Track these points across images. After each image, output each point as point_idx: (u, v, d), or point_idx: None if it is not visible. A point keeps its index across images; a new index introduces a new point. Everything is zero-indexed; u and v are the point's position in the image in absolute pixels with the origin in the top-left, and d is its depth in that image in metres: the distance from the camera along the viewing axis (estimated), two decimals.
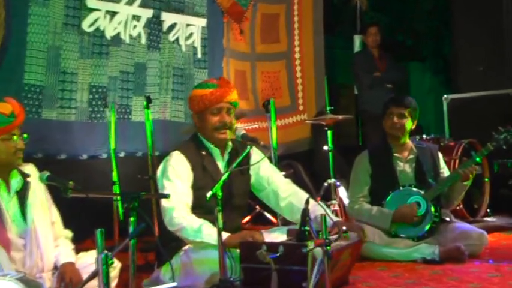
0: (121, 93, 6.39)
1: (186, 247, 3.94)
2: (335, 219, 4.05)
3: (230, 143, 4.21)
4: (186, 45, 6.98)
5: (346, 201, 6.01)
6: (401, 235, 5.05)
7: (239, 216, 4.35)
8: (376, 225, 5.05)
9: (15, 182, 3.69)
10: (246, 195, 4.36)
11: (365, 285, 4.22)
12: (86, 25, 6.04)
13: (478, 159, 5.11)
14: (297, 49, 8.67)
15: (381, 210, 5.11)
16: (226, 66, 7.50)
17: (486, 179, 7.07)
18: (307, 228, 3.54)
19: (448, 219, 5.23)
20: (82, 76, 6.03)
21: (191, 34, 7.04)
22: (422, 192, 5.09)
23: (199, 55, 7.13)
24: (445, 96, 8.23)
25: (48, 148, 5.72)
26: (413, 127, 5.33)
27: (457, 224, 5.21)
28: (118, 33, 6.32)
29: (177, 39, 6.89)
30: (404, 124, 5.25)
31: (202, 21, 7.17)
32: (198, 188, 4.01)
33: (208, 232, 3.76)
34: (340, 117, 6.61)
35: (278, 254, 3.48)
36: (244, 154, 3.78)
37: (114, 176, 5.41)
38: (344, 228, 3.80)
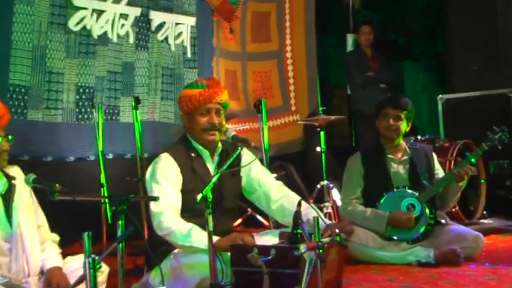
0: (109, 93, 6.38)
1: (175, 251, 3.93)
2: (328, 221, 4.06)
3: (220, 145, 4.21)
4: (175, 44, 6.98)
5: (339, 203, 6.01)
6: (396, 238, 5.06)
7: (230, 219, 4.34)
8: (370, 228, 5.06)
9: (0, 184, 3.67)
10: (237, 198, 4.36)
11: None
12: (72, 24, 6.04)
13: (472, 159, 5.12)
14: (288, 48, 8.68)
15: (376, 213, 5.11)
16: (216, 66, 7.51)
17: (482, 181, 7.10)
18: (299, 231, 3.53)
19: (443, 221, 5.24)
20: (68, 76, 6.02)
21: (180, 33, 7.04)
22: (417, 194, 5.10)
23: (188, 54, 7.13)
24: (440, 96, 8.26)
25: (34, 150, 5.71)
26: (408, 129, 5.34)
27: (453, 226, 5.22)
28: (105, 32, 6.31)
29: (166, 39, 6.89)
30: (399, 126, 5.25)
31: (191, 20, 7.17)
32: (187, 191, 4.00)
33: (197, 237, 3.75)
34: (333, 117, 6.62)
35: (270, 257, 3.48)
36: (234, 156, 3.77)
37: (102, 178, 5.41)
38: (337, 231, 3.79)
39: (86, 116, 6.13)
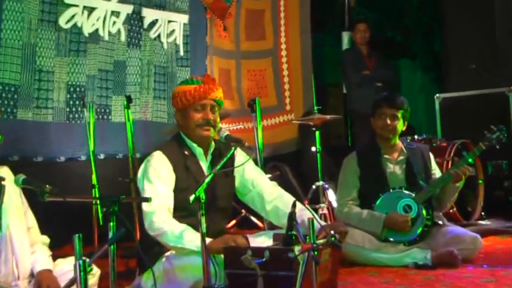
0: (100, 92, 6.38)
1: (168, 253, 3.93)
2: (323, 223, 4.06)
3: (213, 143, 4.21)
4: (167, 42, 6.98)
5: (335, 204, 6.02)
6: (392, 240, 5.07)
7: (223, 220, 4.34)
8: (366, 230, 5.06)
9: None
10: (231, 198, 4.36)
11: None
12: (62, 21, 6.03)
13: (470, 159, 5.13)
14: (283, 46, 8.69)
15: (372, 214, 5.12)
16: (210, 65, 7.51)
17: (480, 181, 7.10)
18: (293, 232, 3.54)
19: (440, 222, 5.25)
20: (59, 75, 6.02)
21: (173, 31, 7.04)
22: (413, 195, 5.11)
23: (181, 53, 7.14)
24: (437, 95, 8.27)
25: (24, 150, 5.70)
26: (404, 128, 5.35)
27: (450, 227, 5.22)
28: (96, 30, 6.31)
29: (158, 36, 6.89)
30: (396, 126, 5.25)
31: (184, 18, 7.17)
32: (180, 190, 4.00)
33: (190, 238, 3.75)
34: (328, 117, 6.62)
35: (264, 259, 3.47)
36: (228, 155, 3.77)
37: (93, 179, 5.41)
38: (332, 232, 3.79)
39: (76, 116, 6.13)
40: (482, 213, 7.07)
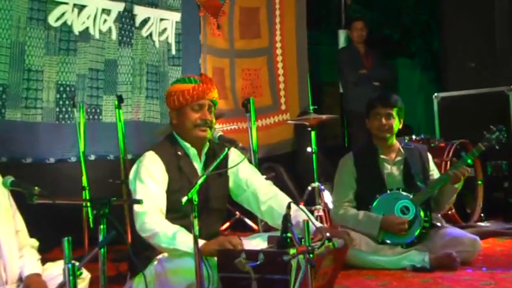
0: (90, 92, 6.37)
1: (160, 256, 3.93)
2: (318, 225, 4.06)
3: (208, 143, 4.20)
4: (159, 41, 6.98)
5: (331, 206, 6.03)
6: (390, 242, 5.07)
7: (217, 221, 4.33)
8: (362, 232, 5.06)
9: None
10: (225, 199, 4.35)
11: None
12: (52, 19, 6.03)
13: (469, 160, 5.13)
14: (278, 45, 8.70)
15: (368, 216, 5.12)
16: (203, 63, 7.51)
17: (479, 182, 7.11)
18: (288, 235, 3.54)
19: (438, 224, 5.25)
20: (48, 74, 6.01)
21: (165, 29, 7.04)
22: (411, 196, 5.11)
23: (173, 51, 7.14)
24: (436, 94, 8.28)
25: (12, 151, 5.70)
26: (400, 127, 5.35)
27: (449, 229, 5.23)
28: (87, 28, 6.30)
29: (150, 35, 6.89)
30: (392, 125, 5.26)
31: (176, 16, 7.17)
32: (173, 191, 4.00)
33: (183, 239, 3.74)
34: (324, 117, 6.64)
35: (258, 262, 3.47)
36: (221, 157, 3.77)
37: (84, 180, 5.40)
38: (328, 234, 3.80)
39: (66, 116, 6.12)
40: (482, 214, 7.09)
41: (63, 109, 6.10)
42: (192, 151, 4.16)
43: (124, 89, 6.62)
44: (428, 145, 6.61)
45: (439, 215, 5.38)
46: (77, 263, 2.78)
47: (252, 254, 3.53)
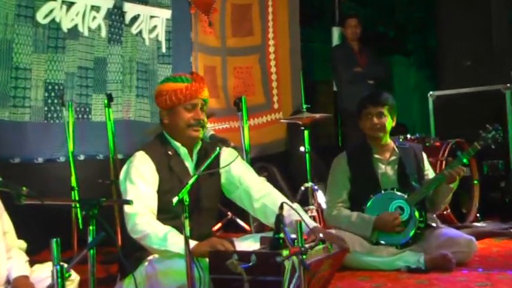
0: (79, 90, 6.36)
1: (150, 257, 3.93)
2: (312, 225, 4.06)
3: (199, 142, 4.20)
4: (149, 38, 6.97)
5: (324, 206, 6.03)
6: (384, 242, 5.08)
7: (209, 221, 4.33)
8: (356, 232, 5.07)
9: None
10: (217, 197, 4.34)
11: None
12: (40, 16, 6.01)
13: (464, 159, 5.13)
14: (271, 42, 8.70)
15: (361, 216, 5.13)
16: (194, 62, 7.50)
17: (475, 182, 7.13)
18: (281, 235, 3.54)
19: (434, 224, 5.26)
20: (37, 72, 5.99)
21: (155, 27, 7.03)
22: (406, 196, 5.12)
23: (163, 49, 7.13)
24: (431, 92, 8.30)
25: (0, 151, 5.68)
26: (393, 124, 5.36)
27: (444, 229, 5.24)
28: (75, 25, 6.28)
29: (140, 32, 6.87)
30: (384, 123, 5.26)
31: (166, 13, 7.16)
32: (164, 191, 4.00)
33: (174, 241, 3.74)
34: (318, 116, 6.64)
35: (250, 264, 3.48)
36: (212, 157, 3.77)
37: (73, 181, 5.39)
38: (321, 235, 3.81)
39: (55, 115, 6.10)
40: (478, 214, 7.10)
41: (52, 108, 6.09)
42: (183, 150, 4.16)
43: (114, 87, 6.60)
44: (423, 144, 6.63)
45: (435, 215, 5.39)
46: (66, 265, 2.78)
47: (244, 255, 3.53)
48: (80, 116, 6.32)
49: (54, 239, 2.78)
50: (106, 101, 5.58)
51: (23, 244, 3.90)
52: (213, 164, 3.92)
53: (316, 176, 6.81)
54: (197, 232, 3.81)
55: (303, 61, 8.97)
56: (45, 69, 6.07)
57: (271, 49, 8.67)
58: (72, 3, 6.25)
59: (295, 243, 3.29)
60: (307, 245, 3.31)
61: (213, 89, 7.68)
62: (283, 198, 4.09)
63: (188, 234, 3.38)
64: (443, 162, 6.72)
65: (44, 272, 3.67)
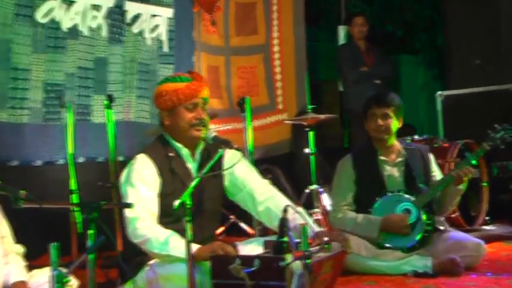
0: (79, 91, 6.36)
1: (151, 262, 3.93)
2: (317, 229, 4.06)
3: (202, 143, 4.20)
4: (151, 38, 6.97)
5: (329, 209, 6.03)
6: (390, 245, 5.07)
7: (212, 225, 4.33)
8: (362, 235, 5.07)
9: None
10: (219, 200, 4.35)
11: None
12: (39, 16, 6.01)
13: (473, 160, 5.12)
14: (275, 42, 8.70)
15: (367, 218, 5.12)
16: (197, 61, 7.50)
17: (484, 184, 7.10)
18: (285, 239, 3.54)
19: (441, 227, 5.25)
20: (36, 73, 6.00)
21: (157, 26, 7.03)
22: (413, 198, 5.11)
23: (165, 49, 7.12)
24: (439, 92, 8.28)
25: None
26: (400, 126, 5.35)
27: (452, 233, 5.23)
28: (75, 25, 6.29)
29: (141, 32, 6.87)
30: (390, 125, 5.25)
31: (168, 12, 7.16)
32: (166, 194, 4.00)
33: (175, 245, 3.75)
34: (323, 116, 6.64)
35: (253, 268, 3.48)
36: (215, 159, 3.78)
37: (72, 184, 5.39)
38: (326, 239, 3.81)
39: (54, 117, 6.11)
40: (487, 218, 7.07)
41: (51, 109, 6.09)
42: (185, 151, 4.16)
43: (114, 88, 6.60)
44: (431, 145, 6.60)
45: (442, 218, 5.38)
46: (65, 270, 2.79)
47: (247, 260, 3.53)
48: (80, 117, 6.32)
49: (53, 244, 2.79)
50: (106, 102, 5.58)
51: (20, 249, 3.90)
52: (216, 165, 3.93)
53: (322, 178, 6.81)
54: (199, 236, 3.81)
55: (308, 61, 8.97)
56: (45, 69, 6.07)
57: (276, 48, 8.67)
58: (72, 2, 6.25)
59: (300, 247, 3.29)
60: (311, 249, 3.32)
61: (216, 89, 7.69)
62: (288, 201, 4.09)
63: (190, 238, 3.38)
64: (452, 163, 6.69)
65: (42, 277, 3.67)
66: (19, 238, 3.92)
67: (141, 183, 4.00)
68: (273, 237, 3.81)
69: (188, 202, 3.41)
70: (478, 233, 6.28)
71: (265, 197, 4.26)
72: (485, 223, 7.04)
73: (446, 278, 4.73)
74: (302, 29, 8.94)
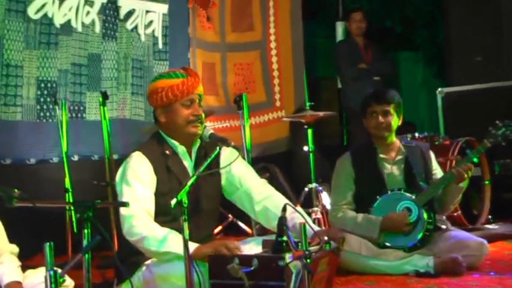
0: (73, 88, 6.37)
1: (148, 261, 3.93)
2: (316, 228, 4.06)
3: (198, 140, 4.20)
4: (145, 34, 6.96)
5: (329, 208, 6.03)
6: (391, 245, 5.07)
7: (209, 223, 4.32)
8: (362, 235, 5.07)
9: None
10: (217, 198, 4.34)
11: None
12: (32, 11, 6.01)
13: (474, 158, 5.13)
14: (272, 38, 8.69)
15: (368, 218, 5.12)
16: (192, 58, 7.50)
17: (486, 182, 7.10)
18: (284, 238, 3.54)
19: (443, 226, 5.25)
20: (28, 69, 6.00)
21: (151, 22, 7.03)
22: (413, 197, 5.11)
23: (159, 45, 7.12)
24: (439, 89, 8.28)
25: None
26: (400, 123, 5.35)
27: (454, 232, 5.23)
28: (68, 21, 6.29)
29: (135, 28, 6.87)
30: (390, 122, 5.25)
31: (163, 8, 7.15)
32: (162, 193, 4.00)
33: (174, 241, 3.72)
34: (321, 114, 6.64)
35: (252, 268, 3.47)
36: (212, 156, 3.77)
37: (67, 182, 5.40)
38: (326, 238, 3.80)
39: (48, 114, 6.11)
40: (489, 216, 7.08)
41: (44, 107, 6.09)
42: (181, 149, 4.15)
43: (109, 85, 6.61)
44: (432, 143, 6.61)
45: (444, 217, 5.39)
46: (60, 270, 2.78)
47: (246, 259, 3.53)
48: (74, 114, 6.33)
49: (48, 243, 2.78)
50: (101, 99, 5.59)
51: (15, 249, 3.90)
52: (213, 163, 3.92)
53: (320, 177, 6.81)
54: (197, 235, 3.81)
55: (306, 57, 8.97)
56: (37, 66, 6.07)
57: (273, 45, 8.67)
58: None
59: (299, 247, 3.29)
60: (311, 249, 3.31)
61: (212, 86, 7.69)
62: (286, 201, 4.08)
63: (188, 237, 3.38)
64: (453, 161, 6.69)
65: (37, 278, 3.67)
66: (13, 238, 3.91)
67: (137, 182, 3.99)
68: (272, 237, 3.81)
69: (185, 200, 3.40)
70: (480, 232, 6.28)
71: (263, 197, 4.25)
72: (488, 222, 7.05)
73: (448, 277, 4.73)
74: (299, 25, 8.95)
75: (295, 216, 3.87)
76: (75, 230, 5.23)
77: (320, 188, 6.56)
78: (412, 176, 5.23)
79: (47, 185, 5.78)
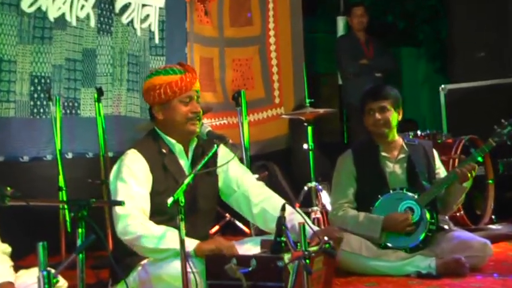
0: (67, 84, 6.36)
1: (144, 261, 3.93)
2: (315, 228, 4.06)
3: (195, 139, 4.20)
4: (141, 28, 6.95)
5: (329, 207, 6.03)
6: (392, 245, 5.07)
7: (206, 223, 4.33)
8: (363, 235, 5.07)
9: None
10: (214, 198, 4.34)
11: None
12: (25, 5, 5.99)
13: (479, 157, 5.13)
14: (271, 33, 8.69)
15: (369, 217, 5.12)
16: (190, 53, 7.49)
17: (490, 181, 7.11)
18: (283, 238, 3.54)
19: (446, 227, 5.26)
20: (22, 64, 5.98)
21: (147, 16, 7.01)
22: (416, 196, 5.11)
23: (156, 40, 7.11)
24: (442, 86, 8.28)
25: None
26: (400, 119, 5.34)
27: (457, 232, 5.23)
28: (63, 15, 6.27)
29: (131, 22, 6.86)
30: (388, 118, 5.24)
31: (159, 1, 7.14)
32: (158, 192, 3.99)
33: (173, 238, 3.68)
34: (321, 110, 6.63)
35: (250, 269, 3.48)
36: (210, 154, 3.77)
37: (61, 180, 5.40)
38: (326, 238, 3.80)
39: (41, 110, 6.10)
40: (493, 216, 7.08)
41: (38, 103, 6.08)
42: (178, 147, 4.15)
43: (104, 80, 6.60)
44: (434, 141, 6.62)
45: (447, 217, 5.39)
46: (53, 270, 2.78)
47: (244, 260, 3.54)
48: (68, 111, 6.32)
49: (41, 243, 2.77)
50: (96, 95, 5.59)
51: (7, 248, 3.89)
52: (210, 162, 3.92)
53: (321, 175, 6.81)
54: (193, 235, 3.81)
55: (306, 53, 8.97)
56: (31, 61, 6.06)
57: (272, 40, 8.67)
58: None
59: (298, 247, 3.29)
60: (310, 249, 3.31)
61: (209, 82, 7.68)
62: (284, 203, 4.08)
63: (184, 237, 3.38)
64: (456, 160, 6.69)
65: (30, 278, 3.66)
66: (5, 237, 3.91)
67: (132, 179, 3.99)
68: (270, 237, 3.82)
69: (182, 200, 3.40)
70: (483, 233, 6.29)
71: (260, 199, 4.25)
72: (491, 222, 7.05)
73: (450, 279, 4.74)
74: (299, 20, 8.95)
75: (294, 216, 3.87)
76: (69, 229, 5.23)
77: (320, 186, 6.55)
78: (414, 175, 5.23)
79: (41, 183, 5.77)
